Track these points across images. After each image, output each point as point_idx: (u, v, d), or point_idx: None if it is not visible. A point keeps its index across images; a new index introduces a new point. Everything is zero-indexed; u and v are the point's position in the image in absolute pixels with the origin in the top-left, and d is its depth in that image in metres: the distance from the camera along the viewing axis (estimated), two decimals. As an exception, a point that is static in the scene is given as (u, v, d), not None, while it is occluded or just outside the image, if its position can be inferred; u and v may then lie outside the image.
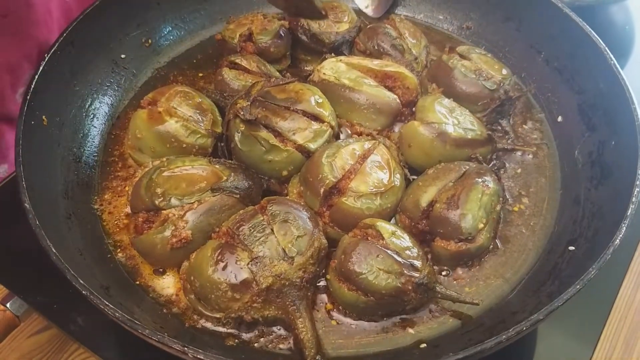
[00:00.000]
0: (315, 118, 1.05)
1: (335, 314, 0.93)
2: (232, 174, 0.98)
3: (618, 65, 1.06)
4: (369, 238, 0.91)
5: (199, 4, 1.36)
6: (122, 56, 1.25)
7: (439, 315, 0.93)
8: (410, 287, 0.87)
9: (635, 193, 0.89)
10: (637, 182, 0.90)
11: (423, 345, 0.89)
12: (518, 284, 0.97)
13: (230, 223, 0.92)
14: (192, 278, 0.90)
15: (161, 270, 0.97)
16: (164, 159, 1.02)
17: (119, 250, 1.00)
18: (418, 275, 0.88)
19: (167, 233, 0.92)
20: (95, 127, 1.15)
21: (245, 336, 0.89)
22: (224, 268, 0.87)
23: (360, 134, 1.10)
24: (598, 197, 1.01)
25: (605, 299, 1.06)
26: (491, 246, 1.00)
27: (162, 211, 0.94)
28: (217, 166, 1.00)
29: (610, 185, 1.00)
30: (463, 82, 1.14)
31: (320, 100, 1.07)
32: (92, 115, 1.16)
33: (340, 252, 0.91)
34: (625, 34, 1.65)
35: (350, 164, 0.98)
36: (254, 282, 0.86)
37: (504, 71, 1.16)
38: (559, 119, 1.18)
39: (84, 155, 1.11)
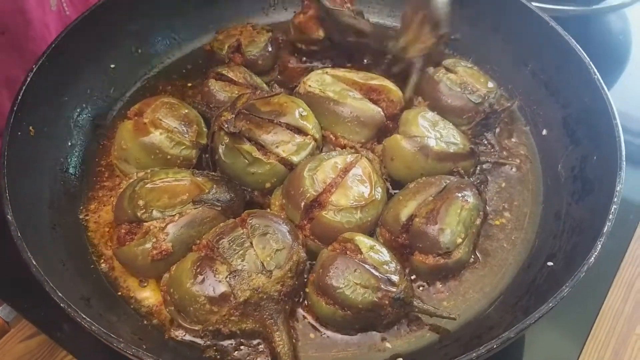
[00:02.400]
0: (299, 131, 1.06)
1: (312, 327, 0.94)
2: (214, 186, 0.99)
3: (601, 80, 1.07)
4: (348, 252, 0.92)
5: (189, 13, 1.36)
6: (112, 66, 1.26)
7: (416, 329, 0.93)
8: (387, 302, 0.88)
9: (612, 210, 0.89)
10: (615, 199, 0.90)
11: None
12: (496, 299, 0.97)
13: (210, 236, 0.93)
14: (171, 290, 0.91)
15: (143, 281, 0.98)
16: (148, 171, 1.03)
17: (102, 261, 1.01)
18: (395, 289, 0.88)
19: (148, 245, 0.93)
20: (82, 137, 1.17)
21: (224, 349, 0.90)
22: (203, 281, 0.88)
23: (344, 147, 1.11)
24: (578, 212, 1.01)
25: (592, 309, 1.06)
26: (471, 259, 1.00)
27: (144, 223, 0.95)
28: (199, 178, 1.01)
29: (591, 201, 1.00)
30: (448, 96, 1.15)
31: (304, 113, 1.08)
32: (79, 126, 1.17)
33: (318, 266, 0.92)
34: (620, 42, 1.65)
35: (331, 177, 0.99)
36: (232, 296, 0.87)
37: (490, 84, 1.17)
38: (544, 132, 1.18)
39: (71, 165, 1.12)
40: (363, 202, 0.97)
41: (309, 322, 0.94)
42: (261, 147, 1.03)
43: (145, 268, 0.95)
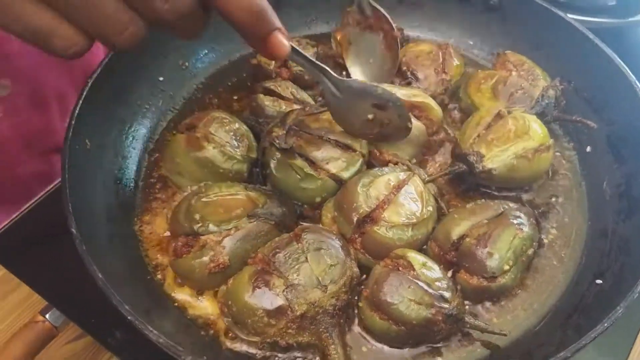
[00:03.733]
0: (347, 147, 1.09)
1: (365, 340, 0.96)
2: (268, 200, 1.02)
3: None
4: (400, 268, 0.94)
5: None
6: (160, 79, 1.29)
7: (467, 344, 0.95)
8: (440, 318, 0.90)
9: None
10: (664, 220, 0.92)
11: (452, 375, 0.92)
12: (545, 316, 0.99)
13: (266, 250, 0.95)
14: (229, 302, 0.93)
15: (198, 293, 1.01)
16: (202, 185, 1.05)
17: (158, 272, 1.03)
18: (448, 306, 0.90)
19: (206, 258, 0.96)
20: (134, 149, 1.19)
21: (282, 360, 0.93)
22: (261, 294, 0.90)
23: (388, 163, 1.12)
24: (625, 231, 1.02)
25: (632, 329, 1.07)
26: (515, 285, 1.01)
27: (201, 237, 0.98)
28: (252, 193, 1.03)
29: (638, 220, 1.01)
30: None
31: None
32: (131, 138, 1.20)
33: (372, 281, 0.94)
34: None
35: (384, 194, 1.01)
36: (289, 309, 0.89)
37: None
38: (588, 149, 1.19)
39: (125, 177, 1.15)
40: (414, 220, 0.99)
41: (361, 336, 0.96)
42: (312, 163, 1.05)
43: (202, 280, 0.97)
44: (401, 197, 1.01)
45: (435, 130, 1.15)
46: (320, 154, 1.06)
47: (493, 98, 1.21)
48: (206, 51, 1.37)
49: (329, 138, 1.08)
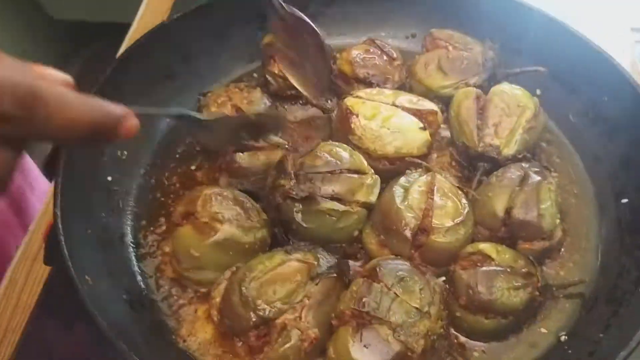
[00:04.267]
0: (359, 172, 1.05)
1: (471, 348, 0.95)
2: (318, 255, 0.96)
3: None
4: (478, 264, 0.94)
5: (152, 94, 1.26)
6: (109, 178, 1.14)
7: (555, 305, 0.99)
8: (537, 293, 0.92)
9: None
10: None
11: (563, 338, 0.95)
12: (597, 249, 1.06)
13: (350, 304, 0.89)
14: (343, 373, 0.87)
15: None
16: (235, 269, 0.96)
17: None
18: (536, 279, 0.93)
19: (294, 340, 0.88)
20: (132, 261, 1.05)
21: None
22: (374, 350, 0.85)
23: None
24: (613, 150, 1.13)
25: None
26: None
27: (275, 321, 0.89)
28: (298, 254, 0.96)
29: (618, 136, 1.12)
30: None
31: (351, 153, 1.07)
32: (122, 252, 1.05)
33: (463, 288, 0.93)
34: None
35: (423, 201, 1.00)
36: (409, 351, 0.85)
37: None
38: (538, 92, 1.26)
39: (137, 296, 1.01)
40: (462, 218, 0.99)
41: (465, 345, 0.95)
42: (339, 199, 1.01)
43: (298, 363, 0.89)
44: (438, 200, 1.01)
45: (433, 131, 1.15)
46: (341, 187, 1.02)
47: (445, 77, 1.24)
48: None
49: (340, 170, 1.04)
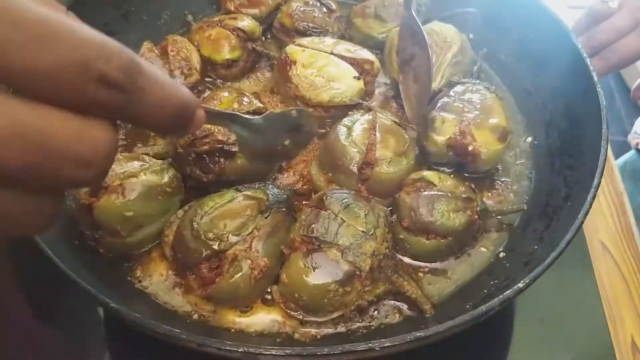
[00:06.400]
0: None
1: (419, 267, 1.00)
2: (268, 192, 0.99)
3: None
4: (421, 190, 0.99)
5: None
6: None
7: (492, 228, 1.05)
8: (476, 216, 0.98)
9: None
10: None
11: (502, 254, 1.01)
12: (530, 177, 1.13)
13: (301, 231, 0.93)
14: (295, 295, 0.90)
15: (244, 309, 0.95)
16: (186, 208, 0.99)
17: (193, 314, 0.94)
18: (475, 204, 0.99)
19: (245, 269, 0.90)
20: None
21: (366, 321, 0.93)
22: (324, 271, 0.89)
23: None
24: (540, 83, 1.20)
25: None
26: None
27: (226, 252, 0.92)
28: (248, 192, 0.99)
29: (545, 73, 1.19)
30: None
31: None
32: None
33: (406, 210, 0.97)
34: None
35: (366, 137, 1.04)
36: (357, 269, 0.89)
37: None
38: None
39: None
40: (403, 148, 1.04)
41: (413, 264, 1.00)
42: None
43: (249, 293, 0.92)
44: (379, 135, 1.05)
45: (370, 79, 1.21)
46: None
47: (382, 24, 1.29)
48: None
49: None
